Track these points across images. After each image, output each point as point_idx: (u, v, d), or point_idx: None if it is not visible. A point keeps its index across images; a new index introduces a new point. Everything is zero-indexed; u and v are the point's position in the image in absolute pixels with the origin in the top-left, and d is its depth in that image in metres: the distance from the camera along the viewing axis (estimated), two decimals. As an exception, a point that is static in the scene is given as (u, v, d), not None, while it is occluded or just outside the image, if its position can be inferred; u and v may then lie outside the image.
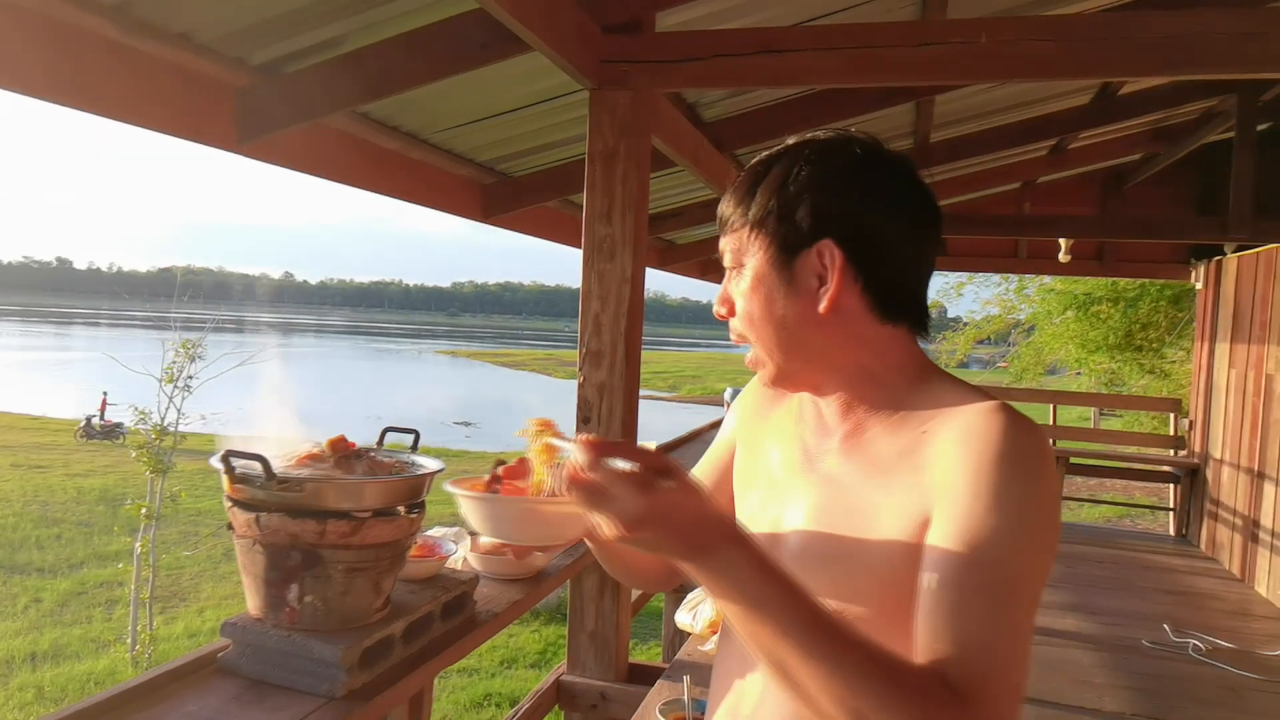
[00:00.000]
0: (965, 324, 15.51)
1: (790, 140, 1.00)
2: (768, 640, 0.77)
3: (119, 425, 16.41)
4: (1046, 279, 12.24)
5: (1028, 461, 0.84)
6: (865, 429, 0.97)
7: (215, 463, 1.21)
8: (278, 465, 1.20)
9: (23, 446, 16.41)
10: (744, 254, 0.99)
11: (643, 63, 2.35)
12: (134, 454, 9.23)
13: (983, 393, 0.92)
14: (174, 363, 9.56)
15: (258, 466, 1.15)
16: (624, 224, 2.38)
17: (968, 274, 12.91)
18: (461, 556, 1.78)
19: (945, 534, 0.83)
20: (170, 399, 9.40)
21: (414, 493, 1.32)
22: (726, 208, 1.01)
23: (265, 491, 1.18)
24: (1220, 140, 5.52)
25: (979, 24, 2.13)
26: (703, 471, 1.20)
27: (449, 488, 1.00)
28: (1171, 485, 7.11)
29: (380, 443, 1.49)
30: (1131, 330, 11.82)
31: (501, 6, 1.85)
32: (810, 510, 0.97)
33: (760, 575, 0.77)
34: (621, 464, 0.77)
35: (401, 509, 1.32)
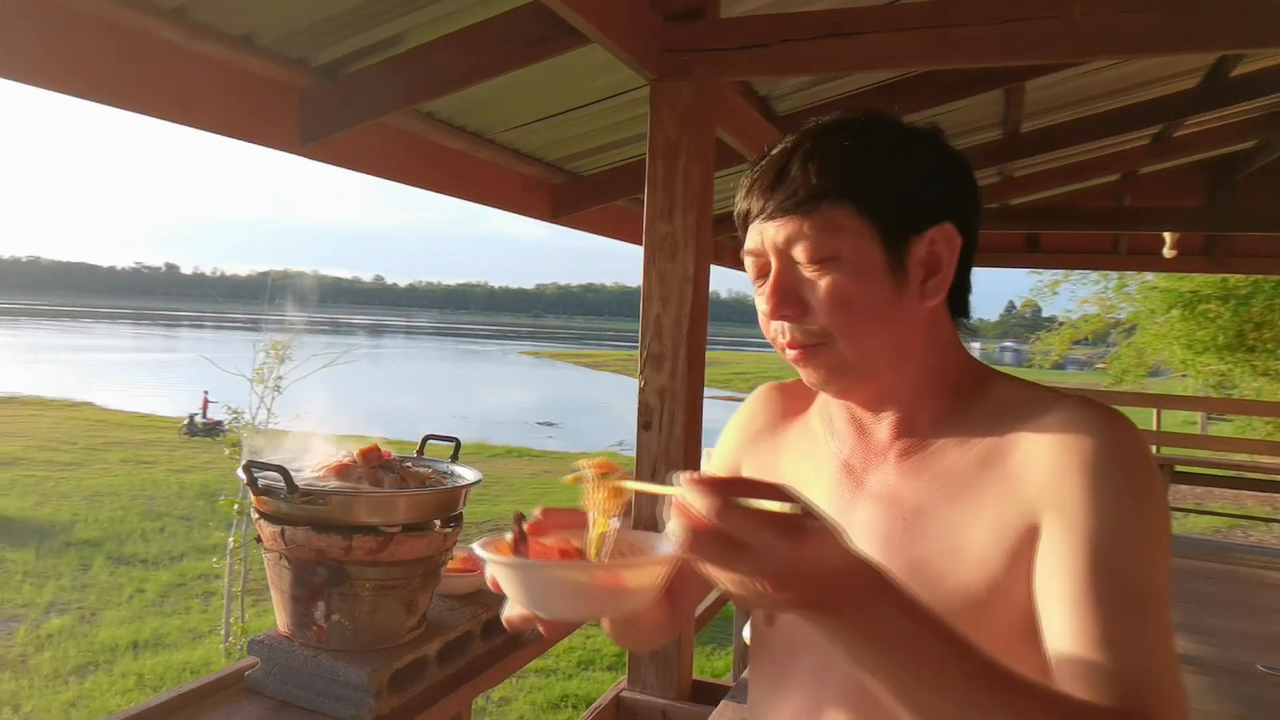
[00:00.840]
0: (1061, 324, 14.90)
1: (838, 116, 0.88)
2: (928, 701, 0.66)
3: (219, 423, 17.09)
4: (1149, 276, 11.63)
5: (1137, 456, 0.79)
6: (930, 441, 0.88)
7: (240, 474, 1.16)
8: (305, 477, 1.14)
9: (132, 443, 17.22)
10: (832, 240, 0.84)
11: (705, 51, 2.24)
12: (227, 452, 9.57)
13: (1051, 389, 0.87)
14: (264, 363, 9.88)
15: (279, 478, 1.10)
16: (686, 221, 2.27)
17: (1063, 271, 12.36)
18: (509, 570, 1.71)
19: (1067, 542, 0.76)
20: (261, 398, 9.72)
21: (448, 505, 1.25)
22: (793, 186, 0.84)
23: (289, 504, 1.12)
24: (1344, 124, 5.09)
25: (1071, -4, 1.95)
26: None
27: (479, 551, 0.79)
28: (1289, 496, 6.62)
29: (420, 451, 1.42)
30: (1243, 329, 11.14)
31: (555, -4, 1.77)
32: (872, 537, 0.86)
33: (917, 626, 0.66)
34: (760, 504, 0.62)
35: (437, 523, 1.25)
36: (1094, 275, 12.68)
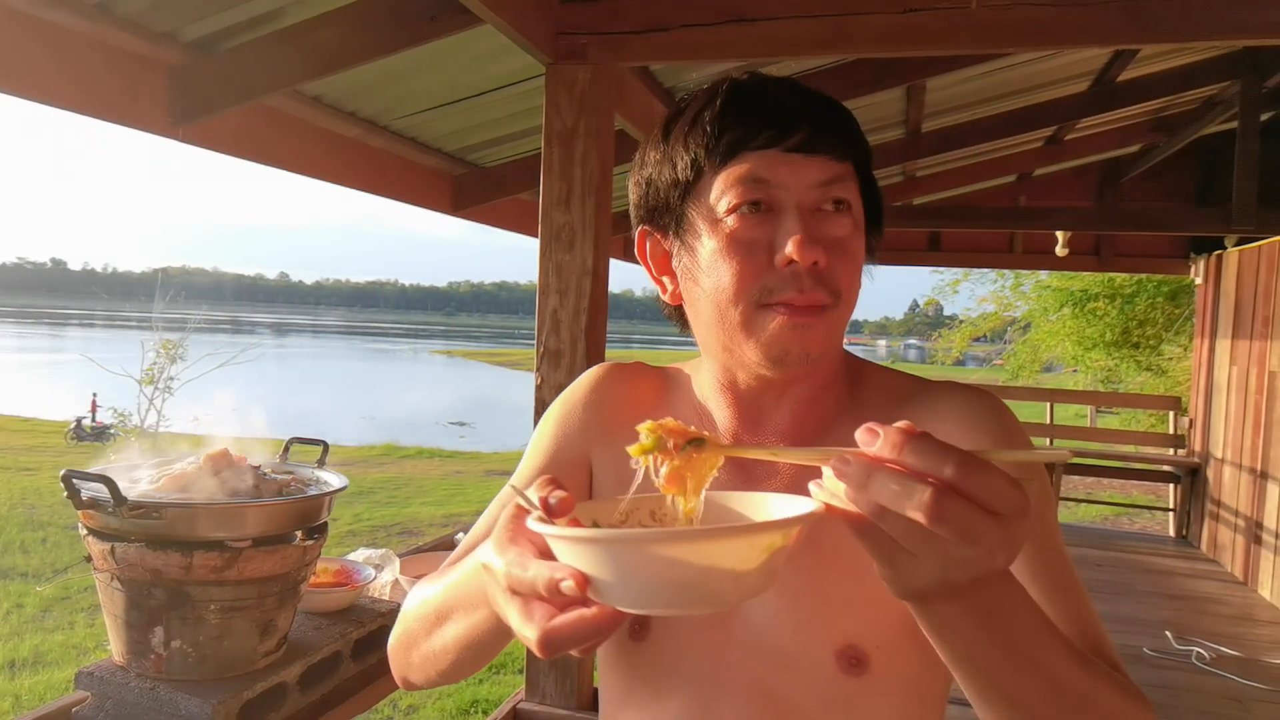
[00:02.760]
0: (961, 321, 15.40)
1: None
2: (1027, 682, 0.61)
3: (109, 427, 16.29)
4: (1043, 275, 12.11)
5: (1025, 435, 0.83)
6: (826, 429, 0.83)
7: (60, 482, 1.01)
8: (140, 488, 1.01)
9: (12, 449, 16.23)
10: (856, 192, 0.79)
11: (602, 34, 2.16)
12: (113, 457, 9.09)
13: (920, 378, 0.88)
14: (154, 364, 9.40)
15: (104, 489, 0.96)
16: (584, 210, 2.18)
17: (963, 271, 12.77)
18: (388, 581, 1.58)
19: None
20: (150, 400, 9.24)
21: (308, 516, 1.13)
22: (835, 128, 0.78)
23: (118, 519, 0.99)
24: (1219, 131, 5.38)
25: (970, -12, 1.95)
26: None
27: (537, 526, 0.56)
28: (1171, 485, 6.94)
29: (285, 454, 1.30)
30: (1129, 327, 11.70)
31: (437, -34, 1.66)
32: None
33: (1028, 602, 0.60)
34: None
35: (297, 534, 1.13)
36: (992, 275, 13.15)
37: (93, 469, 1.01)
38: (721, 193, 0.77)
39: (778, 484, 0.83)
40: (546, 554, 0.57)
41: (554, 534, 0.54)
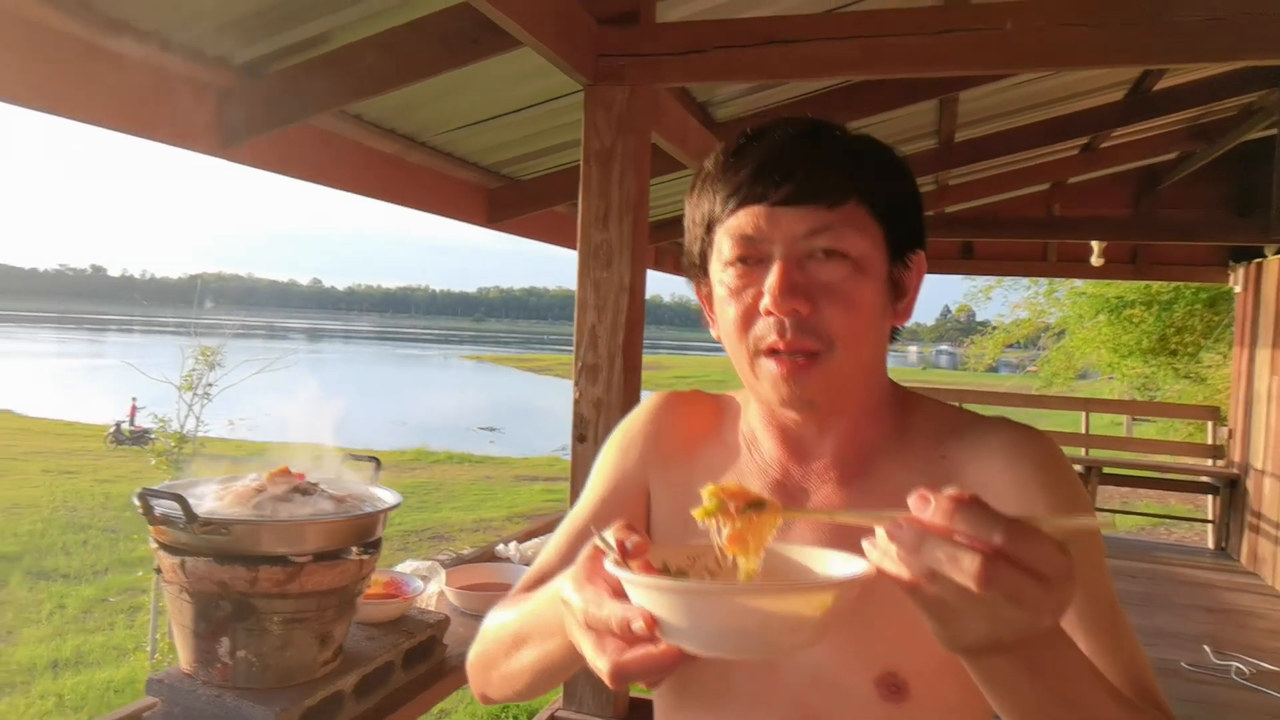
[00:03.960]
0: (994, 328, 15.26)
1: (825, 121, 0.86)
2: None
3: (148, 431, 16.56)
4: (1078, 282, 11.96)
5: (1073, 470, 0.85)
6: (872, 462, 0.86)
7: (134, 500, 1.07)
8: (207, 505, 1.07)
9: (54, 452, 16.58)
10: (857, 239, 0.81)
11: (640, 56, 2.20)
12: (153, 461, 9.24)
13: (970, 412, 0.91)
14: (193, 370, 9.55)
15: (177, 507, 1.02)
16: (621, 229, 2.22)
17: (995, 277, 12.65)
18: (435, 593, 1.64)
19: None
20: (189, 406, 9.39)
21: (364, 531, 1.18)
22: (822, 175, 0.80)
23: (189, 534, 1.05)
24: (1260, 138, 5.29)
25: (1004, 8, 1.95)
26: (595, 519, 0.92)
27: (614, 570, 0.62)
28: (1210, 496, 6.84)
29: (339, 472, 1.35)
30: (1166, 334, 11.53)
31: (483, -2, 1.71)
32: None
33: (1076, 654, 0.64)
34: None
35: (353, 549, 1.18)
36: (1026, 280, 13.01)
37: (163, 485, 1.07)
38: (722, 247, 0.83)
39: (826, 506, 0.87)
40: (619, 593, 0.63)
41: (630, 580, 0.60)
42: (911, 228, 0.86)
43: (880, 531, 0.57)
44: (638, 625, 0.59)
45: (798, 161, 0.80)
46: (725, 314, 0.84)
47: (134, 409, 18.02)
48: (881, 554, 0.57)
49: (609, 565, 0.62)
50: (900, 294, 0.86)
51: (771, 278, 0.79)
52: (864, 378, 0.85)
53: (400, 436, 17.02)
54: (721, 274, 0.84)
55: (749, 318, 0.81)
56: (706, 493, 0.66)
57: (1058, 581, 0.53)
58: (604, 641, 0.62)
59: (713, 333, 0.90)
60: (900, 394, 0.92)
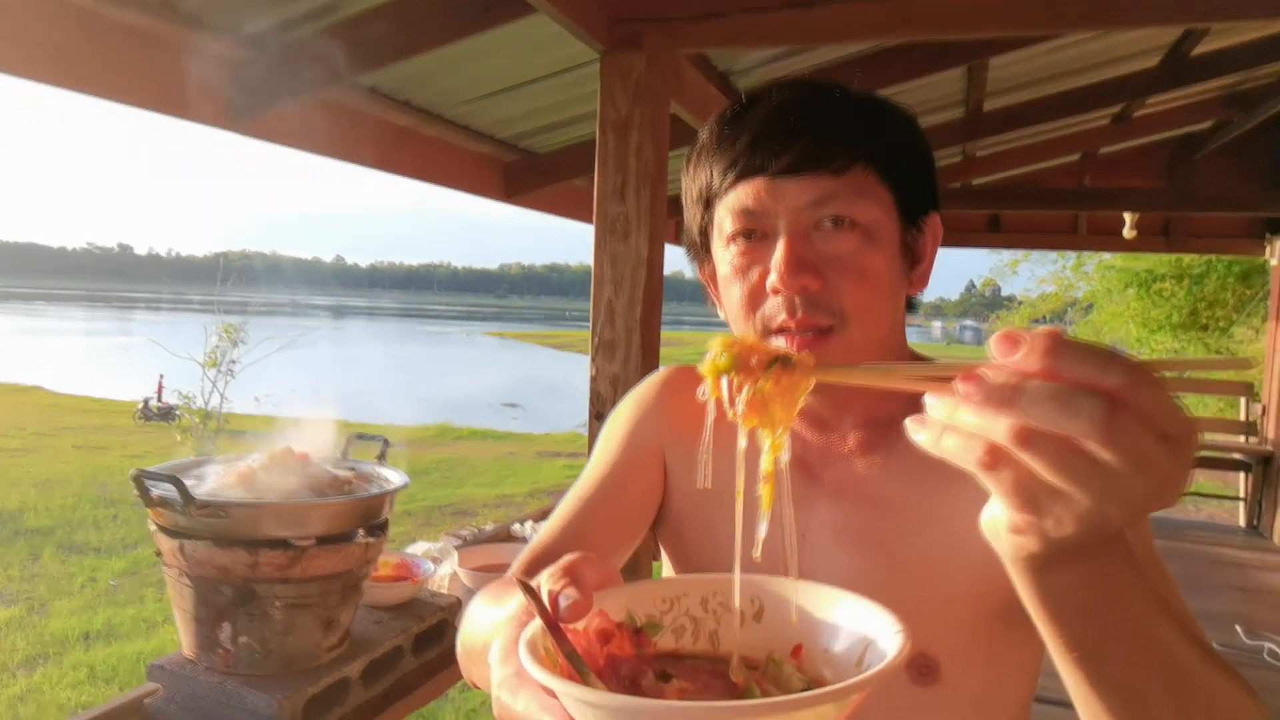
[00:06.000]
0: (1020, 302, 15.06)
1: (833, 82, 0.80)
2: (1146, 679, 0.52)
3: (175, 408, 16.79)
4: (1106, 255, 11.76)
5: None
6: (893, 431, 0.81)
7: (131, 481, 1.04)
8: (207, 486, 1.03)
9: (84, 428, 16.83)
10: (866, 206, 0.75)
11: (657, 21, 2.13)
12: (178, 438, 9.35)
13: None
14: (217, 347, 9.64)
15: (173, 489, 0.98)
16: (639, 201, 2.16)
17: (1023, 251, 12.46)
18: (447, 575, 1.60)
19: None
20: (214, 383, 9.49)
21: (370, 514, 1.14)
22: (824, 142, 0.73)
23: (187, 517, 1.01)
24: (1301, 105, 5.11)
25: (1039, -33, 1.87)
26: (605, 491, 0.86)
27: (532, 670, 0.46)
28: (1241, 473, 6.71)
29: (345, 450, 1.31)
30: (1197, 308, 11.32)
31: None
32: (840, 536, 0.79)
33: (1146, 577, 0.52)
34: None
35: (359, 532, 1.14)
36: (1052, 255, 12.82)
37: (161, 466, 1.03)
38: (723, 223, 0.78)
39: (847, 480, 0.81)
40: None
41: (556, 689, 0.43)
42: (924, 189, 0.81)
43: (933, 400, 0.44)
44: None
45: (798, 127, 0.74)
46: (730, 294, 0.79)
47: (160, 386, 18.25)
48: (939, 427, 0.44)
49: (532, 668, 0.45)
50: (915, 261, 0.81)
51: (777, 253, 0.74)
52: (880, 351, 0.80)
53: (423, 413, 17.11)
54: (724, 252, 0.79)
55: (756, 297, 0.77)
56: (715, 343, 0.52)
57: (1183, 446, 0.41)
58: None
59: (720, 314, 0.85)
60: (918, 360, 0.87)
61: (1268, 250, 6.47)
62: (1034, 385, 0.40)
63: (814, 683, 0.51)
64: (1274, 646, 3.95)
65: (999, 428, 0.41)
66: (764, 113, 0.76)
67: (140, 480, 1.02)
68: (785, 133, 0.74)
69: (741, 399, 0.50)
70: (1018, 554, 0.48)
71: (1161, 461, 0.40)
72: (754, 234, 0.76)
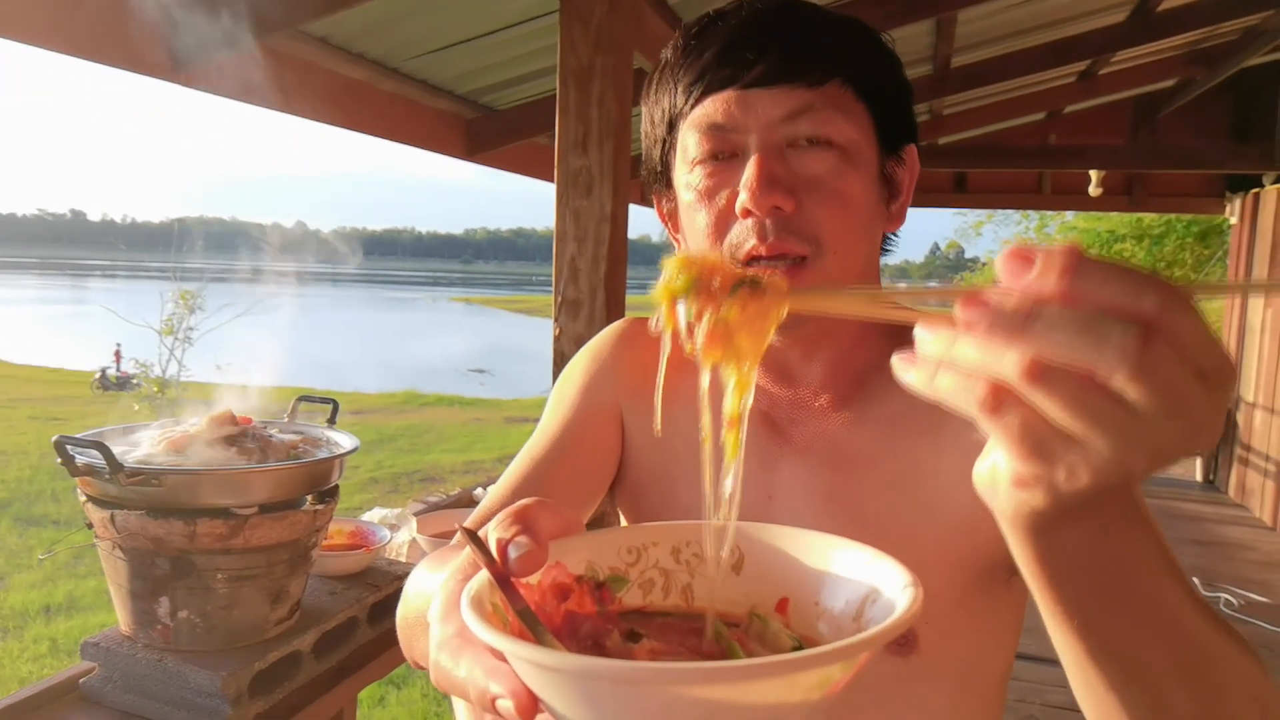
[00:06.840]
0: (984, 264, 15.21)
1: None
2: (1153, 648, 0.47)
3: (133, 377, 16.50)
4: (1069, 216, 11.87)
5: None
6: (866, 385, 0.75)
7: (54, 449, 0.96)
8: (139, 453, 0.96)
9: (41, 399, 16.47)
10: (843, 123, 0.68)
11: (618, -36, 2.04)
12: (136, 407, 9.15)
13: None
14: (173, 314, 9.42)
15: (99, 456, 0.91)
16: (602, 153, 2.08)
17: (987, 212, 12.54)
18: (405, 541, 1.54)
19: None
20: (171, 351, 9.27)
21: (318, 479, 1.07)
22: (799, 52, 0.67)
23: (117, 486, 0.94)
24: (1260, 64, 5.14)
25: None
26: (560, 449, 0.79)
27: (475, 626, 0.38)
28: (1200, 430, 6.85)
29: (292, 414, 1.24)
30: (1156, 268, 11.44)
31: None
32: (809, 495, 0.73)
33: (1156, 534, 0.46)
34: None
35: (307, 499, 1.08)
36: (1016, 216, 12.93)
37: (88, 433, 0.96)
38: (687, 143, 0.71)
39: (816, 437, 0.75)
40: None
41: (502, 647, 0.36)
42: (904, 116, 0.76)
43: (925, 332, 0.37)
44: (504, 705, 0.38)
45: (771, 36, 0.68)
46: (694, 222, 0.71)
47: (118, 355, 17.92)
48: (933, 363, 0.37)
49: (474, 625, 0.38)
50: (894, 193, 0.75)
51: (747, 171, 0.67)
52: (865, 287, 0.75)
53: (390, 379, 16.93)
54: (688, 176, 0.72)
55: (723, 222, 0.69)
56: (671, 263, 0.43)
57: (1221, 385, 0.34)
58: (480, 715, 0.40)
59: (680, 250, 0.78)
60: None
61: (1228, 209, 6.54)
62: (1051, 310, 0.33)
63: (805, 641, 0.45)
64: (1230, 598, 4.04)
65: (1007, 362, 0.34)
66: (734, 23, 0.70)
67: (62, 447, 0.94)
68: (758, 41, 0.67)
69: (701, 328, 0.43)
70: (1019, 510, 0.41)
71: (1198, 402, 0.34)
72: (721, 155, 0.70)
